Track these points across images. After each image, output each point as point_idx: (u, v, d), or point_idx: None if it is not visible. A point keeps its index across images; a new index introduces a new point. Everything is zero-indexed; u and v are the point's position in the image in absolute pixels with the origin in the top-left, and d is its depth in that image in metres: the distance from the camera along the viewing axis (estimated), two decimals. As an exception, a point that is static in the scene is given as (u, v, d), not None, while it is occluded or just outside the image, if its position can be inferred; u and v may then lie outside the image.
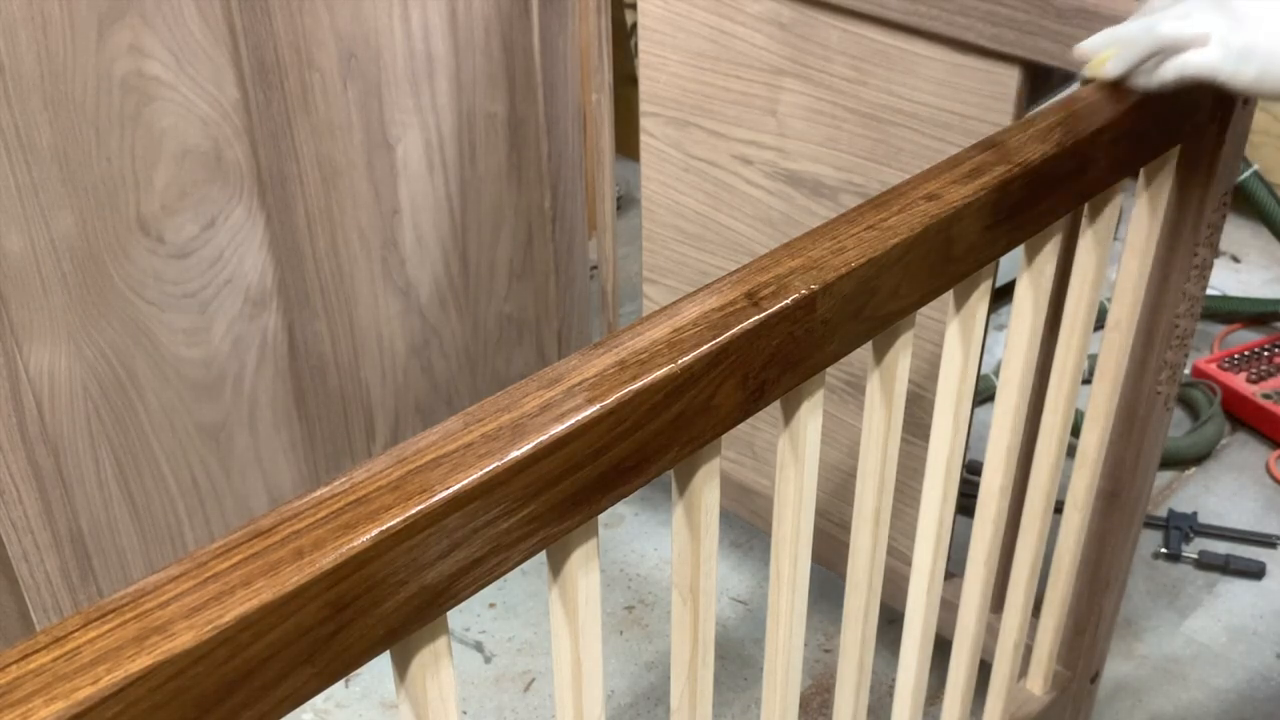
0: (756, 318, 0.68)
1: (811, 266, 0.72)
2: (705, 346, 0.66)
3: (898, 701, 1.09)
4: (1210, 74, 0.88)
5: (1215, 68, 0.88)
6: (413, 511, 0.54)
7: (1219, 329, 2.14)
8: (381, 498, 0.54)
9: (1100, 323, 1.15)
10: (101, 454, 1.30)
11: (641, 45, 1.47)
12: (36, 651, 0.47)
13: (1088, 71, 0.94)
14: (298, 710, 0.53)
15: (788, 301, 0.69)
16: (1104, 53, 0.93)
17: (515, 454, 0.58)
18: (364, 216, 1.45)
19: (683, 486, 0.72)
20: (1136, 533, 1.26)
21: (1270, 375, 1.97)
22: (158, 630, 0.48)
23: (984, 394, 1.83)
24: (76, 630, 0.48)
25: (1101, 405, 1.14)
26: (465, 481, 0.56)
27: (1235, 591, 1.67)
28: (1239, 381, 1.95)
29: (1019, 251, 0.94)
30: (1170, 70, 0.89)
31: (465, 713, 1.53)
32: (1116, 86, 0.92)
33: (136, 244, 1.25)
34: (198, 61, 1.23)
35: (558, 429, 0.59)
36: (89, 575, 1.33)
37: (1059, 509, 1.19)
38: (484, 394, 1.40)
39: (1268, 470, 1.86)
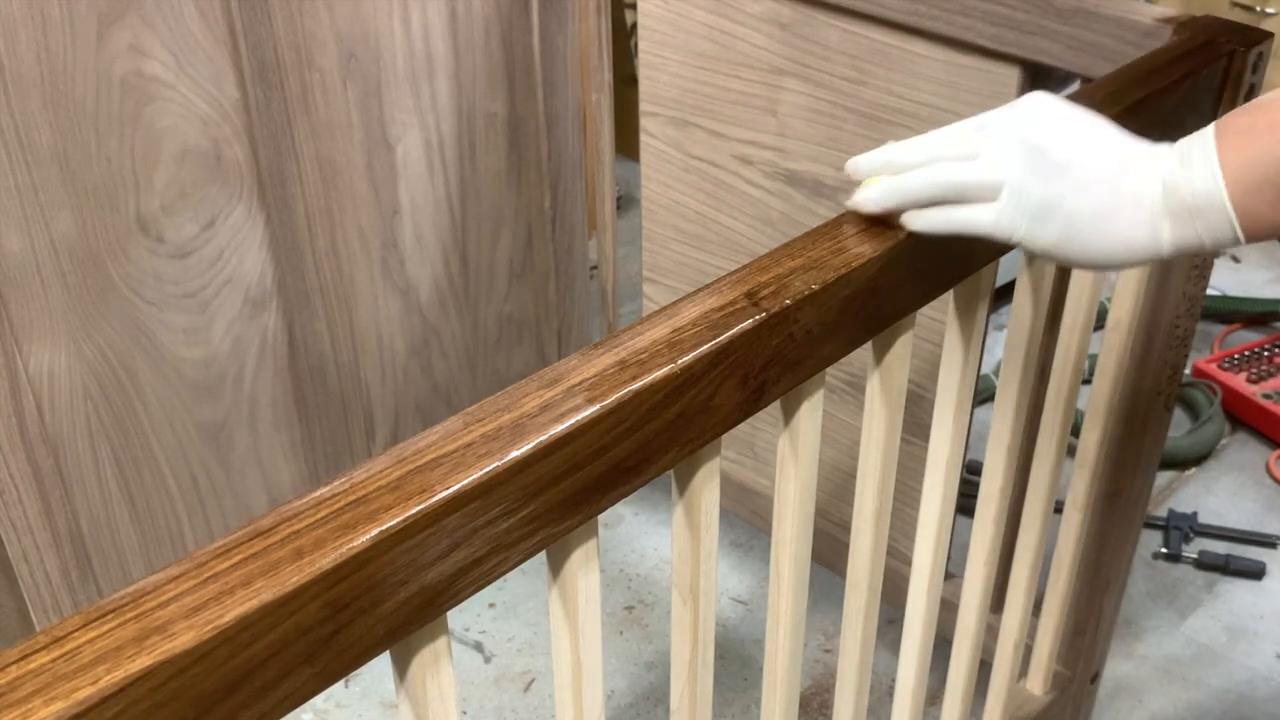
0: (756, 318, 0.68)
1: (811, 266, 0.72)
2: (705, 346, 0.66)
3: (898, 701, 1.09)
4: (995, 234, 0.72)
5: (1002, 228, 0.72)
6: (413, 511, 0.54)
7: (1219, 329, 2.14)
8: (381, 498, 0.54)
9: (1100, 323, 1.15)
10: (101, 454, 1.30)
11: (641, 45, 1.47)
12: (36, 651, 0.47)
13: (852, 199, 0.76)
14: (298, 710, 0.53)
15: (788, 301, 0.69)
16: (874, 178, 0.76)
17: (515, 454, 0.58)
18: (364, 216, 1.45)
19: (683, 486, 0.72)
20: (1136, 533, 1.26)
21: (1270, 375, 1.97)
22: (158, 630, 0.48)
23: (984, 394, 1.83)
24: (76, 630, 0.48)
25: (1101, 405, 1.14)
26: (465, 481, 0.56)
27: (1235, 591, 1.67)
28: (1239, 381, 1.95)
29: (1019, 252, 0.94)
30: (942, 222, 0.73)
31: (465, 713, 1.53)
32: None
33: (136, 244, 1.25)
34: (198, 61, 1.23)
35: (558, 429, 0.59)
36: (89, 575, 1.33)
37: (1059, 509, 1.19)
38: (484, 394, 1.40)
39: (1268, 470, 1.86)
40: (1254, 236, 0.70)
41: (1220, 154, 0.70)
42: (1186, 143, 0.72)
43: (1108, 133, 0.74)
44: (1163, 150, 0.73)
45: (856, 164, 0.77)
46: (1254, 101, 0.72)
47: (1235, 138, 0.70)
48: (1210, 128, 0.72)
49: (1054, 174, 0.71)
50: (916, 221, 0.74)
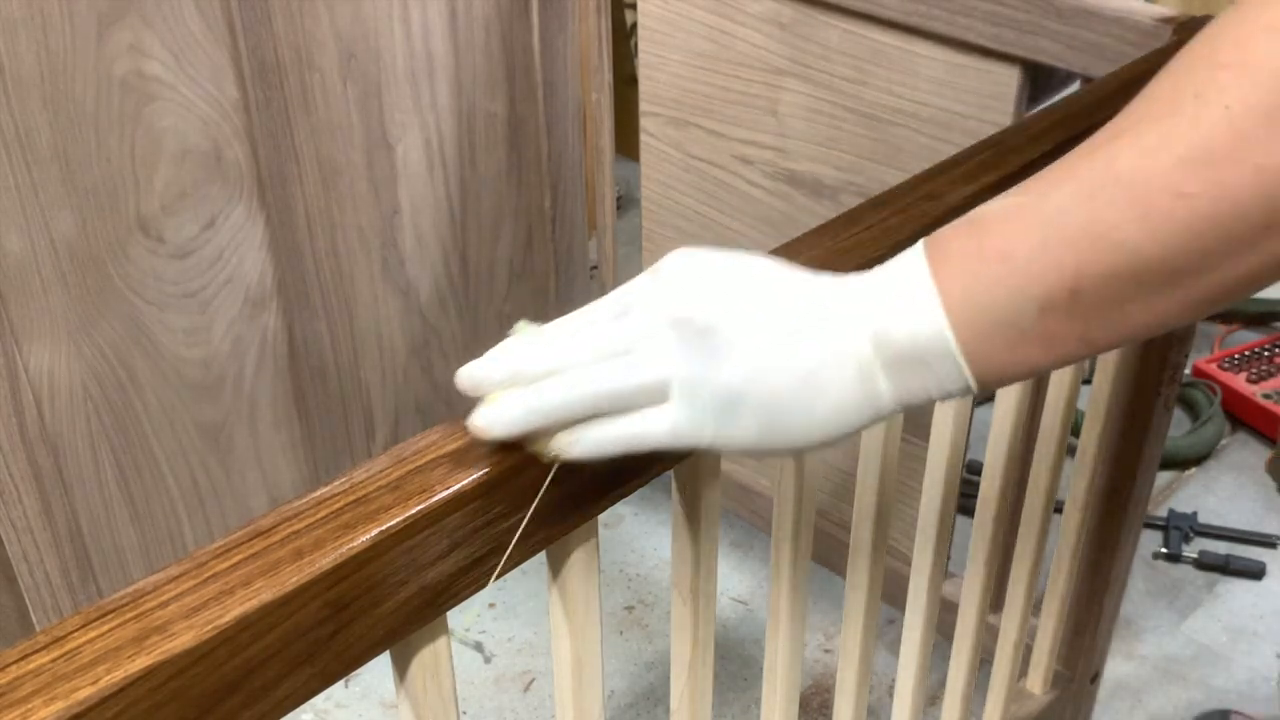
0: (756, 318, 0.68)
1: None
2: (705, 346, 0.65)
3: (898, 701, 1.09)
4: (680, 445, 0.56)
5: (685, 435, 0.56)
6: (413, 511, 0.54)
7: (1219, 329, 2.14)
8: (381, 498, 0.54)
9: (1100, 323, 1.15)
10: (101, 454, 1.30)
11: (641, 45, 1.47)
12: (36, 651, 0.47)
13: (472, 419, 0.57)
14: (298, 710, 0.53)
15: (788, 301, 0.69)
16: (497, 392, 0.56)
17: (515, 454, 0.58)
18: (364, 216, 1.45)
19: (683, 486, 0.72)
20: (1136, 533, 1.26)
21: (1270, 375, 1.97)
22: (158, 630, 0.48)
23: (984, 394, 1.83)
24: (76, 630, 0.48)
25: (1101, 405, 1.14)
26: (465, 481, 0.56)
27: (1235, 591, 1.67)
28: (1239, 381, 1.95)
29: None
30: (610, 442, 0.56)
31: (465, 713, 1.53)
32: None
33: (136, 244, 1.25)
34: (198, 61, 1.23)
35: (558, 429, 0.59)
36: (89, 575, 1.33)
37: (1059, 509, 1.19)
38: (484, 394, 1.40)
39: (1268, 470, 1.86)
40: (987, 384, 0.56)
41: (941, 287, 0.54)
42: (891, 277, 0.56)
43: (783, 281, 0.57)
44: (861, 288, 0.57)
45: (471, 376, 0.56)
46: (970, 218, 0.56)
47: (959, 268, 0.54)
48: (917, 253, 0.56)
49: (729, 353, 0.55)
50: (575, 447, 0.56)
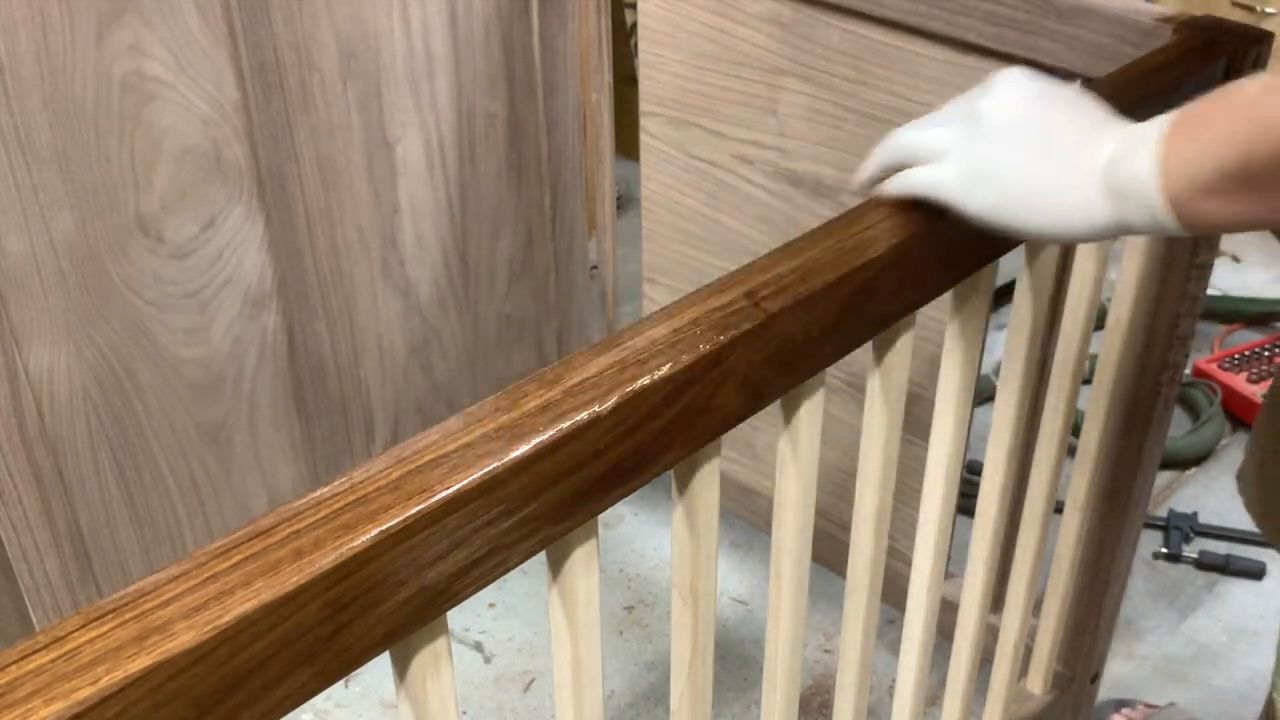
0: (756, 318, 0.68)
1: (812, 266, 0.72)
2: (705, 346, 0.66)
3: (898, 701, 1.09)
4: (937, 195, 0.76)
5: (944, 189, 0.75)
6: (413, 511, 0.54)
7: (1219, 329, 2.14)
8: (381, 498, 0.54)
9: (1100, 323, 1.15)
10: (101, 454, 1.30)
11: (641, 45, 1.47)
12: (36, 651, 0.47)
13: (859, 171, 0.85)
14: (298, 710, 0.53)
15: (788, 301, 0.69)
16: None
17: (515, 454, 0.58)
18: (364, 216, 1.45)
19: (683, 486, 0.72)
20: (1136, 533, 1.26)
21: (1270, 375, 1.97)
22: (158, 630, 0.48)
23: (984, 394, 1.83)
24: (76, 630, 0.48)
25: (1101, 405, 1.14)
26: (465, 481, 0.56)
27: (1235, 591, 1.67)
28: (1239, 381, 1.95)
29: (1019, 251, 0.94)
30: (896, 183, 0.78)
31: (465, 713, 1.53)
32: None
33: (136, 244, 1.25)
34: (197, 61, 1.23)
35: (558, 429, 0.59)
36: (89, 575, 1.33)
37: (1059, 509, 1.19)
38: (484, 394, 1.40)
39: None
40: (1194, 229, 0.69)
41: (1169, 142, 0.68)
42: (1143, 132, 0.70)
43: (1068, 105, 0.74)
44: (1122, 127, 0.72)
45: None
46: (1221, 89, 0.69)
47: (1187, 127, 0.68)
48: (1167, 118, 0.69)
49: (994, 139, 0.73)
50: (889, 185, 0.79)
